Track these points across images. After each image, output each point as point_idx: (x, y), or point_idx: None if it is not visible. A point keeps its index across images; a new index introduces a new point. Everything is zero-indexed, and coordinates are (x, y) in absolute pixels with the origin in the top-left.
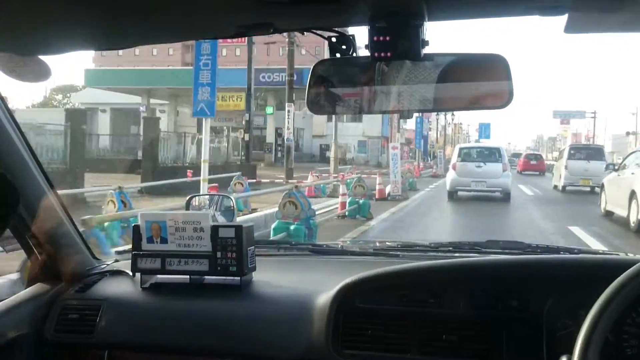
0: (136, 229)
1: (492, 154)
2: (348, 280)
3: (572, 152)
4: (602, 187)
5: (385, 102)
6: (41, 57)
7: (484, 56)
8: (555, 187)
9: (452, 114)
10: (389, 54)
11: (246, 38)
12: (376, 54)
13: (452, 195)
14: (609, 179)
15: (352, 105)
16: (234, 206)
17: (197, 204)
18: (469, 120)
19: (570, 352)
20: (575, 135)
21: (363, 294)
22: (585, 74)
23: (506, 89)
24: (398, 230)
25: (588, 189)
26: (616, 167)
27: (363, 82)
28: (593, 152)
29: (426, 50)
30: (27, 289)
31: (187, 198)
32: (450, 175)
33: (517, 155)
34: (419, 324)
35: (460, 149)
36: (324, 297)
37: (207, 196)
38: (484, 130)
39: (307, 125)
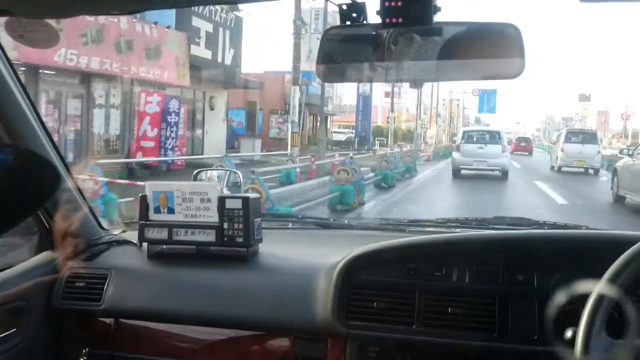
0: (143, 199)
1: (492, 137)
2: (354, 252)
3: (568, 136)
4: (614, 171)
5: (395, 70)
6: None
7: (496, 25)
8: (552, 167)
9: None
10: (400, 20)
11: None
12: (387, 20)
13: (457, 173)
14: (622, 164)
15: (361, 72)
16: (240, 181)
17: (205, 178)
18: (464, 86)
19: (576, 326)
20: (603, 113)
21: (369, 266)
22: (609, 47)
23: (518, 59)
24: None
25: (582, 169)
26: (630, 152)
27: (373, 49)
28: (588, 137)
29: (438, 17)
30: (35, 257)
31: (195, 172)
32: (455, 155)
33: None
34: (424, 296)
35: (464, 132)
36: (330, 269)
37: (215, 171)
38: (487, 100)
39: None
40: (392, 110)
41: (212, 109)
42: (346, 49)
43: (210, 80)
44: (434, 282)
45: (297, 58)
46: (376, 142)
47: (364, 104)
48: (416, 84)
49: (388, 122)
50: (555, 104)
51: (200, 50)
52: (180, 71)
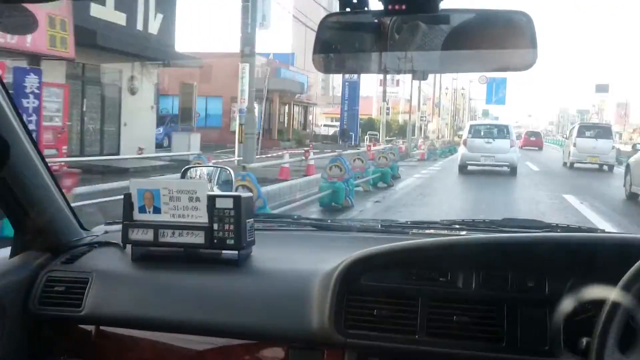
0: (127, 197)
1: (500, 131)
2: (353, 255)
3: (581, 130)
4: (627, 167)
5: (398, 61)
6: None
7: (506, 13)
8: (565, 163)
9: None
10: (403, 7)
11: None
12: (390, 7)
13: (463, 169)
14: (635, 160)
15: (361, 63)
16: (232, 179)
17: (194, 176)
18: (470, 74)
19: (589, 336)
20: (622, 105)
21: (369, 270)
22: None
23: (529, 49)
24: None
25: (596, 165)
26: None
27: (375, 38)
28: (601, 131)
29: (444, 4)
30: (11, 259)
31: (183, 169)
32: (461, 150)
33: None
34: (428, 303)
35: (471, 126)
36: (327, 274)
37: (205, 168)
38: (496, 90)
39: None
40: (385, 100)
41: (132, 93)
42: (346, 38)
43: (129, 54)
44: (439, 288)
45: (245, 25)
46: (366, 137)
47: (351, 92)
48: (420, 75)
49: (384, 113)
50: (571, 95)
51: (107, 13)
52: (57, 35)
